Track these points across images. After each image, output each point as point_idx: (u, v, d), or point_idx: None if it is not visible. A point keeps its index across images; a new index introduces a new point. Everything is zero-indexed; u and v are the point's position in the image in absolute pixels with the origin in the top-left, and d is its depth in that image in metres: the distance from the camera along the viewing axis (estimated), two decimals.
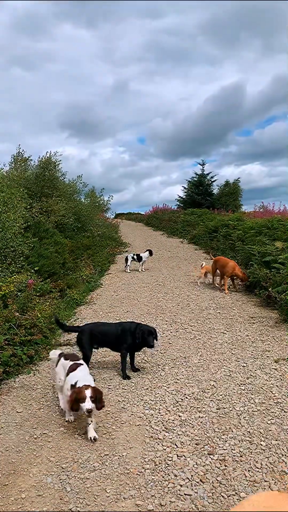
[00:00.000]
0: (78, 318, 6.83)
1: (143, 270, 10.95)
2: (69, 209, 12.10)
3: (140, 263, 10.97)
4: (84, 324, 5.19)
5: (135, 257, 10.96)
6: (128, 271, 10.90)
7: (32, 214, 9.56)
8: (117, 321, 5.59)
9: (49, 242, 9.10)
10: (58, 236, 10.21)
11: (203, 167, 26.30)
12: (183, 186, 26.96)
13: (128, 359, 4.72)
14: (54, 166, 12.47)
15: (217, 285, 8.77)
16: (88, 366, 4.63)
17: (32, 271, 7.11)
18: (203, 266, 9.04)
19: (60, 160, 12.71)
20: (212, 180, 26.07)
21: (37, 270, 7.33)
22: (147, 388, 4.26)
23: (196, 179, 26.24)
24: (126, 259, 10.99)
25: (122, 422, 3.66)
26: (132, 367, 4.74)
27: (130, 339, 4.61)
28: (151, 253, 11.09)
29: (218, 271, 8.58)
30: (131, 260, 10.93)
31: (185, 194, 26.54)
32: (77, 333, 4.81)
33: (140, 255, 11.01)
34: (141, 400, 4.03)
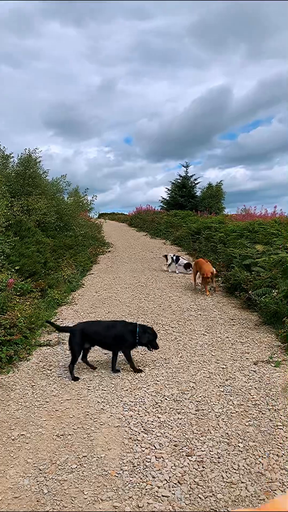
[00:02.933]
0: (59, 319, 6.78)
1: (177, 272, 10.70)
2: (51, 207, 11.99)
3: (176, 265, 10.70)
4: (77, 323, 5.13)
5: (174, 257, 10.81)
6: (166, 268, 10.93)
7: (13, 213, 9.45)
8: (110, 320, 5.70)
9: (31, 241, 9.00)
10: (40, 235, 10.12)
11: (187, 169, 26.47)
12: (166, 188, 27.07)
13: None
14: (35, 164, 12.36)
15: (198, 285, 8.83)
16: (74, 368, 4.60)
17: (13, 270, 7.04)
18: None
19: (40, 156, 12.63)
20: (195, 182, 26.26)
21: (18, 269, 7.25)
22: (127, 389, 4.26)
23: (179, 181, 26.37)
24: (166, 257, 10.95)
25: (101, 423, 3.65)
26: (113, 368, 4.73)
27: (131, 338, 4.65)
28: (186, 266, 10.54)
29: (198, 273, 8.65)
30: (171, 261, 10.78)
31: (169, 195, 26.63)
32: (69, 333, 4.76)
33: (180, 257, 10.85)
34: (121, 401, 4.02)
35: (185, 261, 10.71)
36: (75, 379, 4.53)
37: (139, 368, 4.74)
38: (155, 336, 4.78)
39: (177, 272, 10.67)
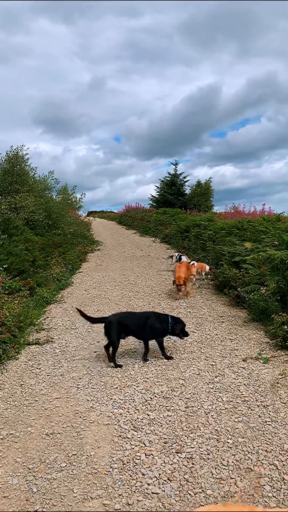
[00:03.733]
0: (48, 317, 6.74)
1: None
2: (39, 205, 11.89)
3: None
4: (111, 314, 5.24)
5: (177, 256, 10.12)
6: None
7: (1, 211, 9.35)
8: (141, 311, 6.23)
9: (19, 240, 8.93)
10: (28, 233, 10.04)
11: (176, 167, 26.47)
12: (155, 186, 27.04)
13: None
14: (22, 161, 12.25)
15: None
16: (115, 357, 4.79)
17: (1, 268, 6.97)
18: (195, 265, 9.07)
19: (27, 153, 12.53)
20: (185, 180, 26.27)
21: (6, 268, 7.18)
22: (116, 387, 4.26)
23: (168, 179, 26.35)
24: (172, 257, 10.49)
25: (91, 421, 3.64)
26: (145, 357, 4.97)
27: (166, 327, 4.96)
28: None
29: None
30: (176, 260, 10.02)
31: (158, 193, 26.62)
32: (104, 324, 4.92)
33: (181, 257, 10.01)
34: (111, 399, 4.02)
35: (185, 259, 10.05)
36: (119, 366, 4.74)
37: (170, 355, 5.01)
38: (184, 325, 5.13)
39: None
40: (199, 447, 3.22)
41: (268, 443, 3.25)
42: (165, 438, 3.35)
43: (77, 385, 4.34)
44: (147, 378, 4.43)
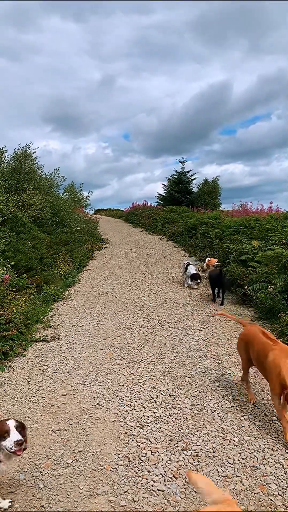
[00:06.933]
0: (55, 314, 6.77)
1: (186, 285, 8.43)
2: (47, 203, 11.94)
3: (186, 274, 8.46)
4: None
5: (186, 264, 8.65)
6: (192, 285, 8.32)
7: (9, 209, 9.39)
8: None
9: (27, 237, 8.97)
10: (36, 231, 10.08)
11: (183, 165, 26.38)
12: (163, 184, 26.99)
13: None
14: (30, 159, 12.29)
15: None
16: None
17: (9, 266, 7.01)
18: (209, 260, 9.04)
19: (34, 151, 12.56)
20: (192, 178, 26.17)
21: (13, 265, 7.22)
22: (123, 385, 4.27)
23: (176, 176, 26.26)
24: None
25: (97, 418, 3.65)
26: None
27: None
28: (194, 277, 8.18)
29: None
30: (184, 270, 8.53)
31: (165, 191, 26.54)
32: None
33: (190, 264, 8.59)
34: (117, 396, 4.03)
35: (193, 271, 8.31)
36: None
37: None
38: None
39: (186, 285, 8.42)
40: (205, 445, 3.22)
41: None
42: (171, 436, 3.36)
43: (84, 382, 4.36)
44: (153, 376, 4.44)
